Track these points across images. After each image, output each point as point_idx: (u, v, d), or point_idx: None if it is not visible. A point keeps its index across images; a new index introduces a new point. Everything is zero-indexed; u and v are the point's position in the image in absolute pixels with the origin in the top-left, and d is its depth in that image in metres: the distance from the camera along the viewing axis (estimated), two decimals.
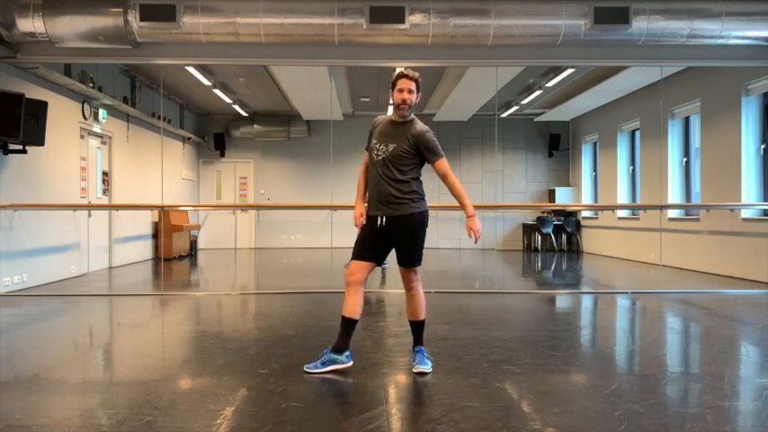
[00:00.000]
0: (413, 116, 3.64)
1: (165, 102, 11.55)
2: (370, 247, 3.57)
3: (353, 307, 3.55)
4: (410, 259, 3.59)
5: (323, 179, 12.88)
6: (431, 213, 3.64)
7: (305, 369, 3.55)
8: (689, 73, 9.33)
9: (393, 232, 3.54)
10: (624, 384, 3.41)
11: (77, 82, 8.19)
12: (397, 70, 3.65)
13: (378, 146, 3.58)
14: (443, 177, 3.60)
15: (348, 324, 3.58)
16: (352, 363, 3.63)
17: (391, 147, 3.54)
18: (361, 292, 3.60)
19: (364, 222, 3.62)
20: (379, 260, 3.63)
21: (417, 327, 3.67)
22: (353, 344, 3.65)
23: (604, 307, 6.61)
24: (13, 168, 7.06)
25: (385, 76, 10.22)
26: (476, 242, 3.56)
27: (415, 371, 3.55)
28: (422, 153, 3.56)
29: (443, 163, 3.58)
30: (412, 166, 3.57)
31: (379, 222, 3.53)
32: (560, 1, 6.45)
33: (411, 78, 3.55)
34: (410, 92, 3.54)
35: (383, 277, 8.66)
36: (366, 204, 3.68)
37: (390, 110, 3.75)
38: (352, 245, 3.63)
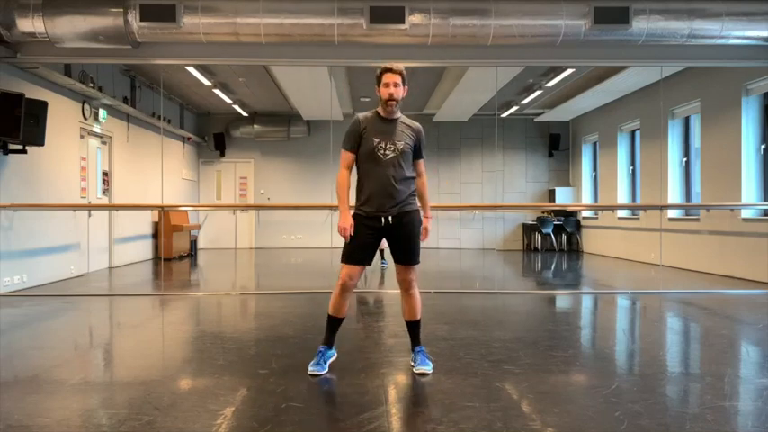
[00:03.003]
0: (399, 111, 3.60)
1: (165, 102, 11.56)
2: (369, 251, 3.54)
3: (345, 308, 3.61)
4: (414, 256, 3.57)
5: (323, 179, 12.88)
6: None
7: (310, 372, 3.51)
8: (689, 73, 9.33)
9: (398, 230, 3.51)
10: (624, 384, 3.41)
11: (77, 82, 8.19)
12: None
13: (383, 145, 3.47)
14: (420, 175, 3.65)
15: (339, 323, 3.65)
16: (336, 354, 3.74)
17: (400, 145, 3.49)
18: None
19: (353, 234, 3.48)
20: (371, 261, 3.62)
21: (415, 326, 3.68)
22: (353, 344, 3.67)
23: (604, 307, 6.60)
24: (13, 168, 7.07)
25: None
26: (423, 239, 3.62)
27: (415, 371, 3.55)
28: (416, 149, 3.59)
29: (423, 163, 3.69)
30: (411, 164, 3.58)
31: (383, 222, 3.48)
32: (560, 1, 6.45)
33: (396, 72, 3.47)
34: (396, 86, 3.47)
35: (382, 277, 8.67)
36: (362, 207, 3.52)
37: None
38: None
